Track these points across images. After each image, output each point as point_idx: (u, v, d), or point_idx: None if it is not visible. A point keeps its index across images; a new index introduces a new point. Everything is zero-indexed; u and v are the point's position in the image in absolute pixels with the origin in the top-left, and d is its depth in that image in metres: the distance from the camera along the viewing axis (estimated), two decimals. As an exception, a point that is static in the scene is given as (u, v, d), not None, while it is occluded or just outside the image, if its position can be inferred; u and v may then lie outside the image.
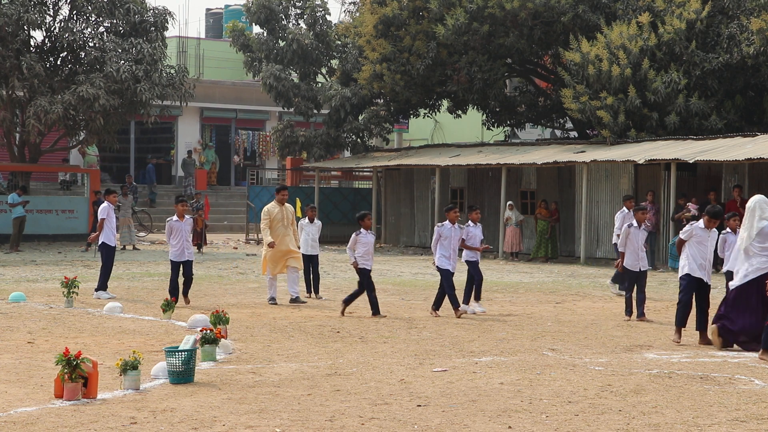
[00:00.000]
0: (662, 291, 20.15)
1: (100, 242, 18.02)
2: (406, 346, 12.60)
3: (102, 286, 17.71)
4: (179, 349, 10.04)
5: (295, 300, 17.14)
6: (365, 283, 15.60)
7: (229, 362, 11.28)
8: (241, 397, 9.34)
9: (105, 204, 18.21)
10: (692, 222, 13.73)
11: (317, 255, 18.42)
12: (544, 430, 8.23)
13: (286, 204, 17.58)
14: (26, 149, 32.60)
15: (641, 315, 15.34)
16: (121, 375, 9.60)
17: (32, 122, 30.05)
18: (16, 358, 11.41)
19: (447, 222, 15.92)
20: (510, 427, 8.32)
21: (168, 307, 14.85)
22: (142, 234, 35.21)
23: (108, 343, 12.52)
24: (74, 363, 9.04)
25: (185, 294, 16.88)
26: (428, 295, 18.76)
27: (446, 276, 15.66)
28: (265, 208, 17.46)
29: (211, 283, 20.78)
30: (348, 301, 15.80)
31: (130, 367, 9.51)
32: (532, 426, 8.35)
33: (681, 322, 13.24)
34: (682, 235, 13.35)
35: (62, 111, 29.89)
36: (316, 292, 18.26)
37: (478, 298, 16.51)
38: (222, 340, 11.57)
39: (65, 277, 16.61)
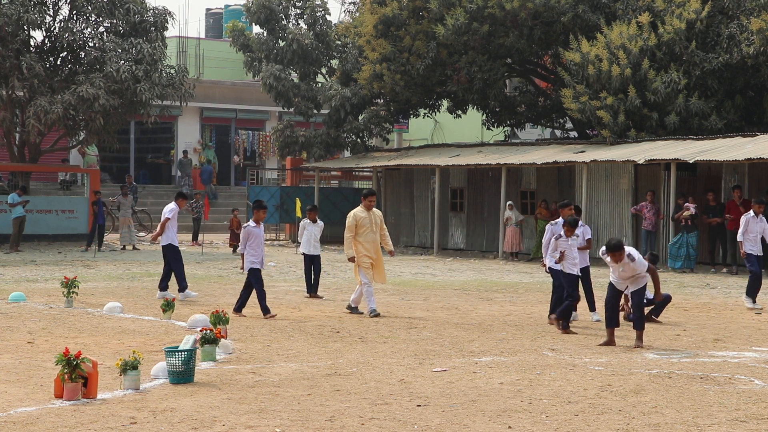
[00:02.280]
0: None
1: (165, 243, 17.81)
2: (406, 346, 12.60)
3: (183, 286, 17.66)
4: (179, 349, 10.04)
5: (352, 309, 16.06)
6: (571, 292, 14.29)
7: (229, 362, 11.28)
8: (241, 397, 9.34)
9: (173, 205, 18.06)
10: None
11: (319, 255, 18.41)
12: (544, 430, 8.23)
13: (374, 209, 16.11)
14: (26, 149, 32.59)
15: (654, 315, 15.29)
16: (121, 375, 9.60)
17: (32, 122, 30.03)
18: (16, 358, 11.41)
19: (560, 219, 15.01)
20: (510, 427, 8.32)
21: (168, 307, 14.85)
22: (142, 234, 35.21)
23: (108, 343, 12.52)
24: (74, 363, 9.04)
25: (266, 308, 15.51)
26: (428, 295, 18.77)
27: (557, 278, 14.75)
28: (352, 214, 15.98)
29: (211, 283, 20.77)
30: (560, 318, 14.36)
31: (130, 367, 9.51)
32: (532, 426, 8.35)
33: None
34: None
35: (62, 111, 29.88)
36: (315, 291, 18.26)
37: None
38: (222, 340, 11.57)
39: (65, 277, 16.60)
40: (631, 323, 13.84)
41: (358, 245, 15.87)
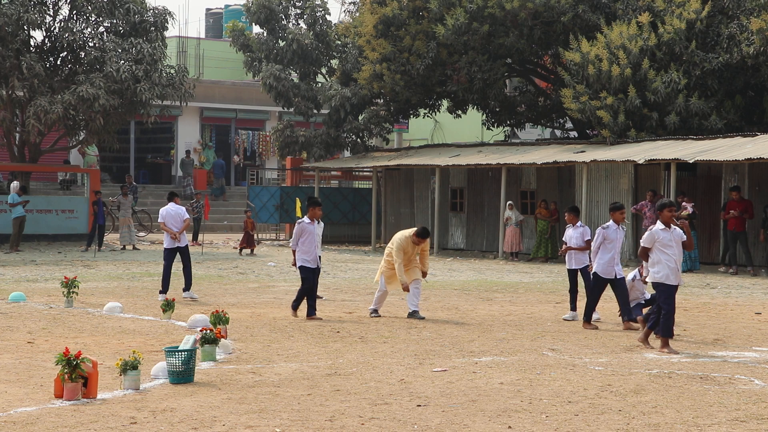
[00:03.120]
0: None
1: (185, 243, 17.90)
2: (406, 346, 12.60)
3: (188, 285, 17.77)
4: (179, 349, 10.04)
5: (413, 314, 15.60)
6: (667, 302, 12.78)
7: (229, 362, 11.28)
8: (241, 397, 9.34)
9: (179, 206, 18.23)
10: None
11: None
12: (544, 430, 8.23)
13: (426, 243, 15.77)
14: (26, 149, 32.60)
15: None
16: (121, 375, 9.60)
17: (32, 122, 30.04)
18: (16, 358, 11.41)
19: (611, 222, 14.37)
20: (510, 427, 8.32)
21: (168, 307, 14.84)
22: (142, 234, 35.22)
23: (108, 343, 12.52)
24: (74, 363, 9.04)
25: (313, 312, 15.36)
26: (427, 295, 18.76)
27: (600, 286, 14.39)
28: (400, 243, 15.55)
29: (211, 283, 20.77)
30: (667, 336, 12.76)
31: (130, 367, 9.51)
32: (532, 426, 8.35)
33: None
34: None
35: (62, 111, 29.89)
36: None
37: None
38: (222, 340, 11.57)
39: (65, 277, 16.59)
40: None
41: (389, 264, 15.69)
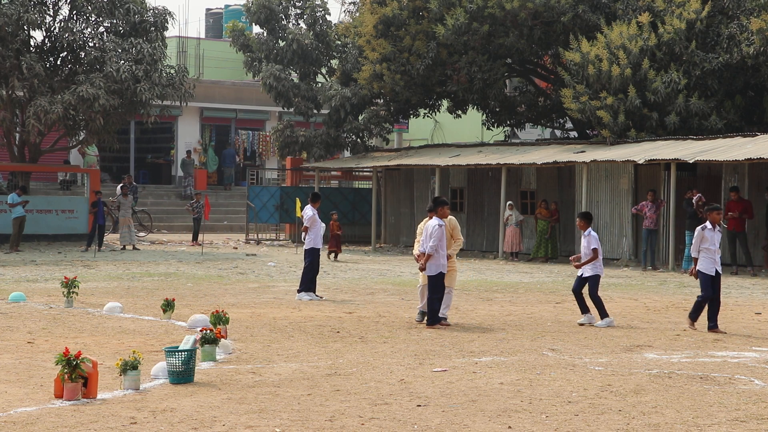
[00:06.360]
0: (662, 291, 20.14)
1: (308, 247, 17.94)
2: (406, 346, 12.60)
3: (306, 287, 17.87)
4: (179, 349, 10.04)
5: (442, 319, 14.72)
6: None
7: (229, 362, 11.28)
8: (241, 397, 9.34)
9: (311, 212, 18.06)
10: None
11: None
12: (544, 430, 8.23)
13: (450, 217, 14.84)
14: (26, 149, 32.60)
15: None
16: (121, 375, 9.60)
17: (32, 122, 30.04)
18: (16, 358, 11.41)
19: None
20: (510, 427, 8.32)
21: (168, 307, 14.84)
22: (142, 234, 35.22)
23: (108, 343, 12.52)
24: (74, 363, 9.04)
25: (436, 318, 14.49)
26: (428, 295, 18.76)
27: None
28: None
29: (211, 283, 20.78)
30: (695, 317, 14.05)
31: (130, 367, 9.51)
32: (532, 426, 8.35)
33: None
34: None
35: (62, 111, 29.88)
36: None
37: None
38: (222, 340, 11.57)
39: (65, 277, 16.58)
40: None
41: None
